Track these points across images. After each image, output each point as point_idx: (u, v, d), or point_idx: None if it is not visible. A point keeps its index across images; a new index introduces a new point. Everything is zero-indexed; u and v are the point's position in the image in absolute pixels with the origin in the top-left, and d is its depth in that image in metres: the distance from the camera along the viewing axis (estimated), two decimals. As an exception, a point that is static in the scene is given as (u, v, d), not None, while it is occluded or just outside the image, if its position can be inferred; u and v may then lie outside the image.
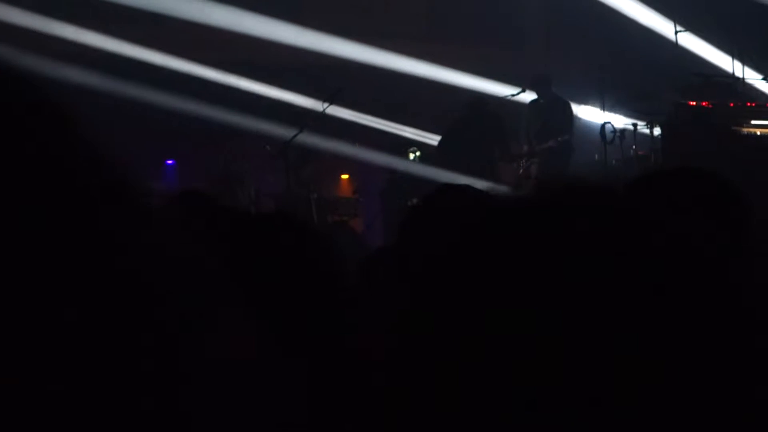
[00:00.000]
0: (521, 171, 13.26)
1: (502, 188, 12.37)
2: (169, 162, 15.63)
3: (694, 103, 11.76)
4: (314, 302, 1.89)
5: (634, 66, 14.58)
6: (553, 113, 13.16)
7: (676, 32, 13.84)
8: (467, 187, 3.32)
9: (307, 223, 2.14)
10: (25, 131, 0.86)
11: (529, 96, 13.54)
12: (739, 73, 12.89)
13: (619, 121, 13.59)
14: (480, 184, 11.53)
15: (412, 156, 13.87)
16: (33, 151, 0.85)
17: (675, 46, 13.83)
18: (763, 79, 12.62)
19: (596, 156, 13.27)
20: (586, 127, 14.18)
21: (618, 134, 13.23)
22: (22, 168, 0.82)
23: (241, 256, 1.85)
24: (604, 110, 13.58)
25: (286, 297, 1.87)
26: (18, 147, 0.84)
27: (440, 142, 13.55)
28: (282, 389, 1.04)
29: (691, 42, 14.85)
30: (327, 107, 12.80)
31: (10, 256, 0.79)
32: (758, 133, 11.37)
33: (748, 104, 11.97)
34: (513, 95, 13.62)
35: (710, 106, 11.68)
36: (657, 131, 12.31)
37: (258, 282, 1.79)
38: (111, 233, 0.85)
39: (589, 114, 14.41)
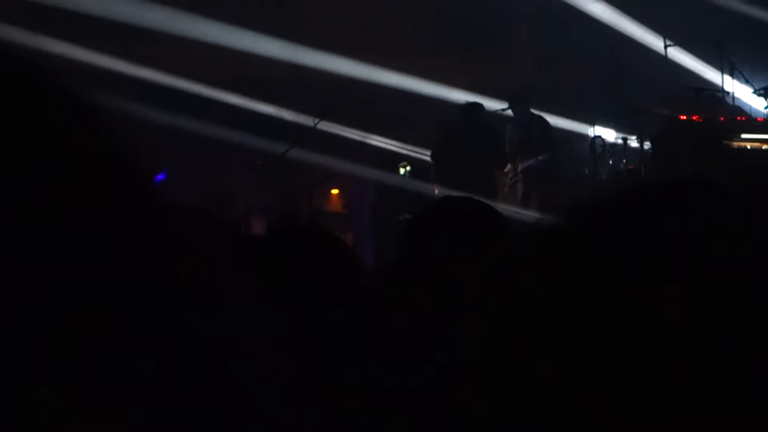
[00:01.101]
0: (506, 189, 13.21)
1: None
2: (159, 176, 15.62)
3: (684, 117, 11.79)
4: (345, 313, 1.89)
5: (624, 80, 14.61)
6: (530, 132, 13.06)
7: (666, 46, 13.88)
8: (470, 200, 3.26)
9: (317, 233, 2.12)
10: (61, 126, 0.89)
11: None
12: (728, 87, 12.92)
13: (609, 135, 13.62)
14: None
15: (402, 171, 13.86)
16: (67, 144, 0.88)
17: (665, 60, 13.87)
18: (753, 93, 12.63)
19: (586, 170, 13.28)
20: (576, 141, 14.20)
21: (608, 148, 13.27)
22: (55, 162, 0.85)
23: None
24: (594, 124, 13.59)
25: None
26: (52, 141, 0.86)
27: (434, 150, 13.32)
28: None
29: (681, 56, 14.89)
30: (318, 122, 12.81)
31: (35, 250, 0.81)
32: (748, 146, 11.39)
33: (738, 118, 12.00)
34: (503, 110, 13.56)
35: (700, 120, 11.71)
36: (647, 145, 12.33)
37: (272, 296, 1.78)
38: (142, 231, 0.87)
39: (579, 128, 14.43)
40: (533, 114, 13.29)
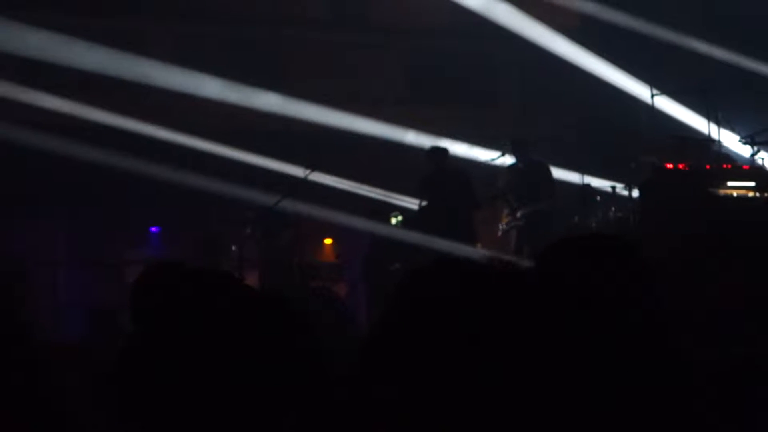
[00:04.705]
0: (499, 234, 13.20)
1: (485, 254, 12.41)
2: (154, 229, 15.70)
3: (671, 165, 11.86)
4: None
5: (611, 129, 14.73)
6: (534, 177, 12.94)
7: (653, 95, 14.00)
8: (459, 263, 3.24)
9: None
10: None
11: (507, 160, 13.45)
12: (715, 135, 13.03)
13: (598, 184, 13.71)
14: (461, 248, 11.62)
15: (394, 221, 13.90)
16: None
17: (651, 109, 13.99)
18: (739, 141, 12.73)
19: (576, 218, 13.34)
20: (566, 189, 14.28)
21: (597, 196, 13.35)
22: None
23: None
24: (583, 173, 13.69)
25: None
26: None
27: (420, 206, 13.30)
28: None
29: (667, 105, 15.05)
30: (309, 173, 12.87)
31: None
32: (734, 194, 11.45)
33: (724, 166, 12.06)
34: (492, 160, 13.61)
35: (687, 168, 11.77)
36: (635, 193, 12.41)
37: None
38: None
39: (568, 176, 14.52)
40: (535, 159, 13.19)
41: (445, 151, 13.07)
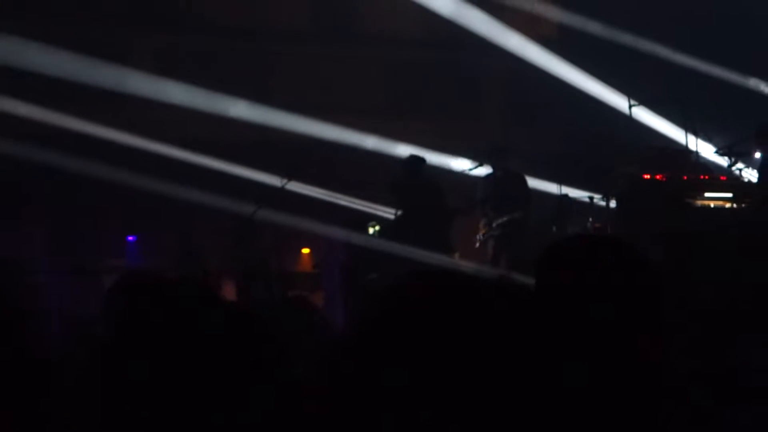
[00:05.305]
0: (477, 244, 13.22)
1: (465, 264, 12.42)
2: (131, 238, 15.63)
3: (648, 176, 11.90)
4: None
5: (590, 139, 14.76)
6: (509, 187, 12.97)
7: (630, 106, 14.05)
8: (431, 275, 3.22)
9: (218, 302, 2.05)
10: None
11: (486, 170, 13.47)
12: (692, 147, 13.07)
13: (576, 194, 13.74)
14: (438, 258, 11.62)
15: (371, 230, 13.89)
16: None
17: (629, 120, 14.03)
18: (716, 152, 12.78)
19: (554, 228, 13.37)
20: (544, 200, 14.30)
21: (575, 207, 13.38)
22: None
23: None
24: (561, 183, 13.71)
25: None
26: None
27: (395, 215, 13.28)
28: None
29: (645, 116, 15.11)
30: (286, 183, 12.85)
31: None
32: (711, 205, 11.49)
33: (701, 177, 12.10)
34: (470, 169, 13.64)
35: (664, 179, 11.80)
36: (613, 204, 12.44)
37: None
38: None
39: (546, 187, 14.54)
40: (511, 170, 13.22)
41: (422, 160, 13.04)
